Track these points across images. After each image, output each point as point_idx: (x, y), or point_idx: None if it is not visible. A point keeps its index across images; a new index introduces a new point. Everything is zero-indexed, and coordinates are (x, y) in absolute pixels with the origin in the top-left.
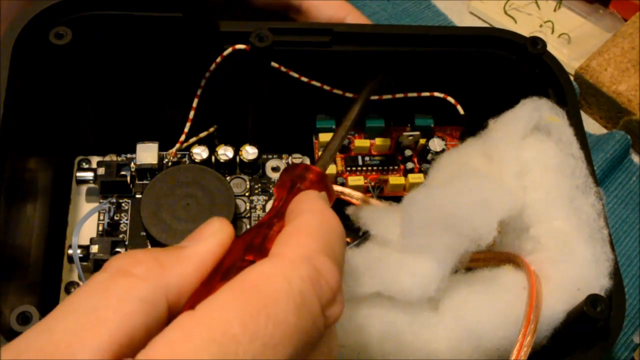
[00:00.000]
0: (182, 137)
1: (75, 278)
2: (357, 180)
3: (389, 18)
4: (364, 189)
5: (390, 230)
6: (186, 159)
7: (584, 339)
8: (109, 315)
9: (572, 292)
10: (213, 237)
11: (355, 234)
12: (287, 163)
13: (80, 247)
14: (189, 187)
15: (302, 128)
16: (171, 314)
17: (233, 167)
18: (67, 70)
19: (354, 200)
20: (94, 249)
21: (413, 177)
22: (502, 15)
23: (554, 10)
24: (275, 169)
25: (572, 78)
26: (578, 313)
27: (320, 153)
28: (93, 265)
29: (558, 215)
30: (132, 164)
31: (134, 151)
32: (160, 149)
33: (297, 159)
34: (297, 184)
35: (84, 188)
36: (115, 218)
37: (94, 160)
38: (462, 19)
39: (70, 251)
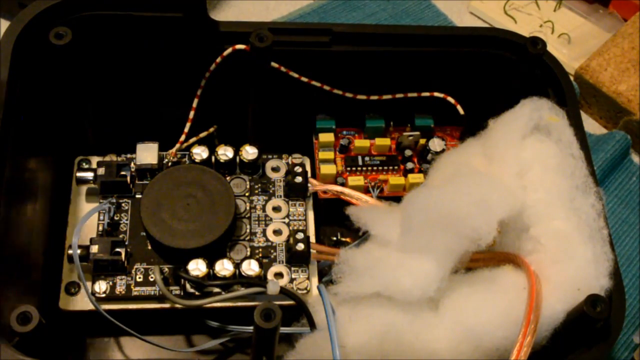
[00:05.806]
0: (182, 137)
1: (75, 278)
2: (357, 180)
3: (389, 18)
4: (364, 189)
5: (390, 230)
6: (186, 159)
7: (584, 339)
8: None
9: (572, 292)
10: None
11: (355, 234)
12: (287, 163)
13: (80, 247)
14: (189, 187)
15: (302, 128)
16: None
17: (233, 167)
18: (67, 70)
19: (354, 200)
20: (94, 249)
21: (413, 177)
22: (502, 15)
23: (554, 10)
24: (275, 169)
25: (572, 78)
26: (578, 313)
27: (319, 153)
28: (93, 265)
29: (558, 215)
30: (132, 164)
31: (134, 151)
32: (160, 149)
33: (297, 159)
34: None
35: (84, 188)
36: (115, 218)
37: (94, 160)
38: (462, 19)
39: (70, 251)
